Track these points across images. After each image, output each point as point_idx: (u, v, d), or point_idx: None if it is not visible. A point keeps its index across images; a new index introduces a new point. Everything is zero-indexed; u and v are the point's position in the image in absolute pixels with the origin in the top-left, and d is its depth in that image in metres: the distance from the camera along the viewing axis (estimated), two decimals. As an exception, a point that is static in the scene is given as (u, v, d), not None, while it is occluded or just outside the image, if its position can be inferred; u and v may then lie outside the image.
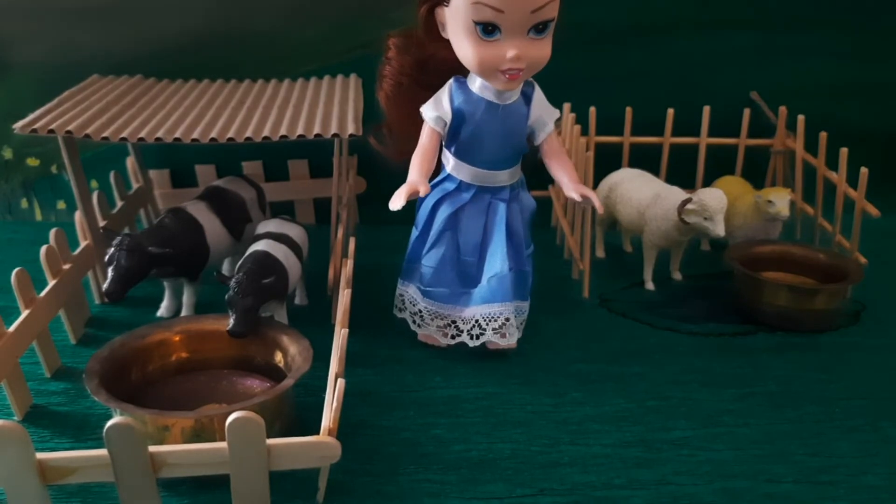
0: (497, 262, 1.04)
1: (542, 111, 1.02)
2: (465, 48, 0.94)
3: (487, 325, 1.04)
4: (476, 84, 0.99)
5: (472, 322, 1.04)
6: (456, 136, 1.02)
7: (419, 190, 0.97)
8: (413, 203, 1.06)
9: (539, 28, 0.92)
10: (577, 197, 1.01)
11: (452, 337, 1.06)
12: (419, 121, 1.02)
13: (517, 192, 1.06)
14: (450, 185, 1.05)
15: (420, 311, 1.07)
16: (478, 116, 0.99)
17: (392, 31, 1.06)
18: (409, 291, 1.08)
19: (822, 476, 0.85)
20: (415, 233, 1.08)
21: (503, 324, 1.03)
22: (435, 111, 1.00)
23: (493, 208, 1.04)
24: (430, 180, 1.03)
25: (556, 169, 1.04)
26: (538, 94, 1.02)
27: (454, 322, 1.05)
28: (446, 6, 0.94)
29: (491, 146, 1.01)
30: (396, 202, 0.96)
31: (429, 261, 1.06)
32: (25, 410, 0.94)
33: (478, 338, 1.04)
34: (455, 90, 1.00)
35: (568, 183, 1.03)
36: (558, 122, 1.13)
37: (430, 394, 0.99)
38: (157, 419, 0.81)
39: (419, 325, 1.08)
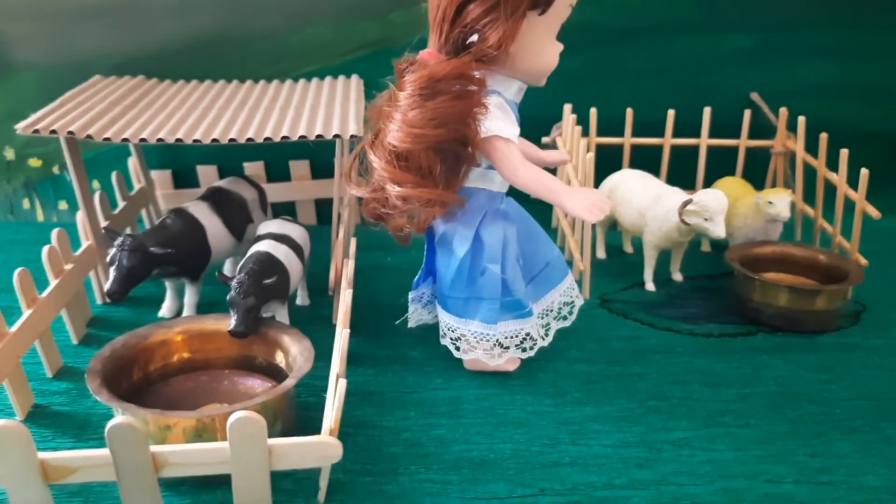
0: (549, 244, 1.04)
1: None
2: (545, 52, 0.93)
3: (572, 292, 1.05)
4: (512, 91, 0.95)
5: (558, 305, 1.04)
6: None
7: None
8: None
9: None
10: (566, 157, 1.08)
11: (543, 337, 1.03)
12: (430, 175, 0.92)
13: None
14: (495, 205, 0.98)
15: (529, 334, 1.01)
16: (519, 121, 0.96)
17: (464, 61, 0.89)
18: (505, 328, 0.99)
19: (823, 476, 0.85)
20: (493, 271, 0.97)
21: (575, 287, 1.06)
22: (513, 127, 0.93)
23: (513, 203, 1.02)
24: (470, 211, 0.97)
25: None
26: None
27: (539, 322, 1.03)
28: (541, 14, 0.89)
29: None
30: (599, 213, 0.90)
31: (517, 284, 0.99)
32: (27, 410, 0.95)
33: (569, 316, 1.05)
34: (508, 102, 0.94)
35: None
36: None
37: (431, 394, 0.99)
38: (159, 419, 0.81)
39: (528, 349, 1.02)
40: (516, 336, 1.00)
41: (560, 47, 0.95)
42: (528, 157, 0.98)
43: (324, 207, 1.52)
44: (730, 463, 0.87)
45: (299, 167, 1.51)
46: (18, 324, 0.94)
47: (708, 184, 1.42)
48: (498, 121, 0.92)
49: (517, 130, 0.94)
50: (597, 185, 1.33)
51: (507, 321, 0.99)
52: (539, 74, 0.95)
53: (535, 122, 1.11)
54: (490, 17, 0.88)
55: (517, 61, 0.92)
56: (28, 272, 0.98)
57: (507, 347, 1.00)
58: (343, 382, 0.77)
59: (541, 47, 0.93)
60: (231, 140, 1.06)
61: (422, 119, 0.89)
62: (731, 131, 1.44)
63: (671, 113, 1.41)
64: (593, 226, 1.33)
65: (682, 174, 1.42)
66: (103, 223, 1.20)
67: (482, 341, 0.99)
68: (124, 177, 1.36)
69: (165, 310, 1.16)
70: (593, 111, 1.39)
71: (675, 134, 1.43)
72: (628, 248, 1.43)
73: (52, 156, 1.50)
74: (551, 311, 1.05)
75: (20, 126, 1.07)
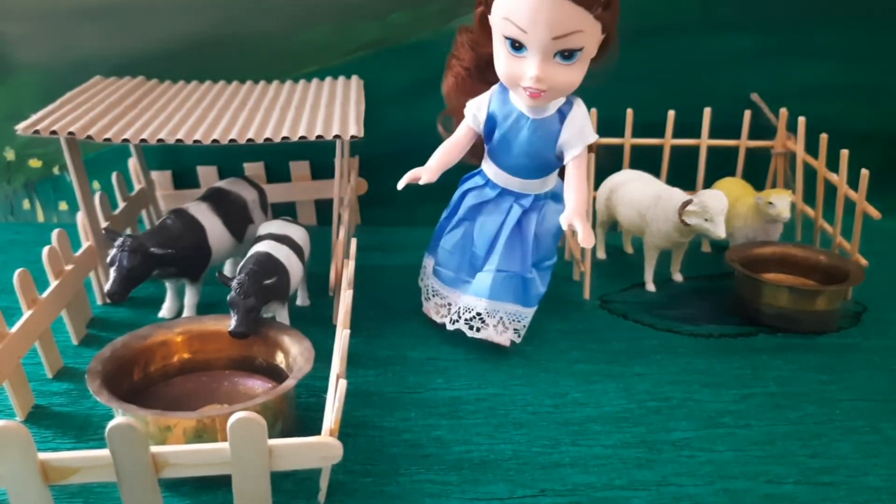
0: (493, 260, 1.06)
1: (574, 133, 1.00)
2: (497, 57, 0.98)
3: (462, 315, 1.07)
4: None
5: (457, 309, 1.08)
6: (490, 136, 1.04)
7: (420, 176, 1.03)
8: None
9: (565, 55, 0.93)
10: (564, 225, 0.99)
11: (443, 317, 1.11)
12: None
13: (544, 202, 1.06)
14: (480, 180, 1.09)
15: (429, 286, 1.14)
16: (508, 124, 1.01)
17: (464, 25, 1.09)
18: (429, 265, 1.14)
19: (823, 477, 0.85)
20: (445, 213, 1.12)
21: (474, 317, 1.06)
22: (474, 109, 1.04)
23: (513, 211, 1.05)
24: (471, 170, 1.11)
25: (566, 192, 1.02)
26: (574, 115, 1.00)
27: (449, 304, 1.10)
28: (489, 16, 0.96)
29: (516, 154, 1.03)
30: (400, 183, 1.03)
31: (445, 243, 1.11)
32: (27, 411, 0.95)
33: (454, 322, 1.08)
34: (496, 95, 1.03)
35: (567, 210, 1.00)
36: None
37: (431, 395, 0.99)
38: (159, 419, 0.81)
39: (427, 298, 1.14)
40: (438, 293, 1.13)
41: (511, 63, 0.95)
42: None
43: (324, 208, 1.52)
44: (730, 463, 0.87)
45: (299, 168, 1.50)
46: (19, 324, 0.94)
47: (708, 184, 1.42)
48: (476, 99, 1.05)
49: (472, 112, 1.05)
50: (597, 185, 1.33)
51: (432, 262, 1.13)
52: (500, 77, 0.99)
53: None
54: None
55: None
56: (28, 273, 0.98)
57: (431, 298, 1.14)
58: (343, 383, 0.77)
59: (495, 48, 0.98)
60: (231, 141, 1.06)
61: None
62: (732, 132, 1.44)
63: (671, 113, 1.41)
64: (594, 226, 1.32)
65: (682, 175, 1.42)
66: (103, 224, 1.20)
67: (426, 275, 1.15)
68: (124, 177, 1.36)
69: (166, 310, 1.16)
70: (593, 112, 1.39)
71: (676, 134, 1.43)
72: (628, 249, 1.43)
73: (52, 156, 1.50)
74: (450, 307, 1.10)
75: (20, 127, 1.07)
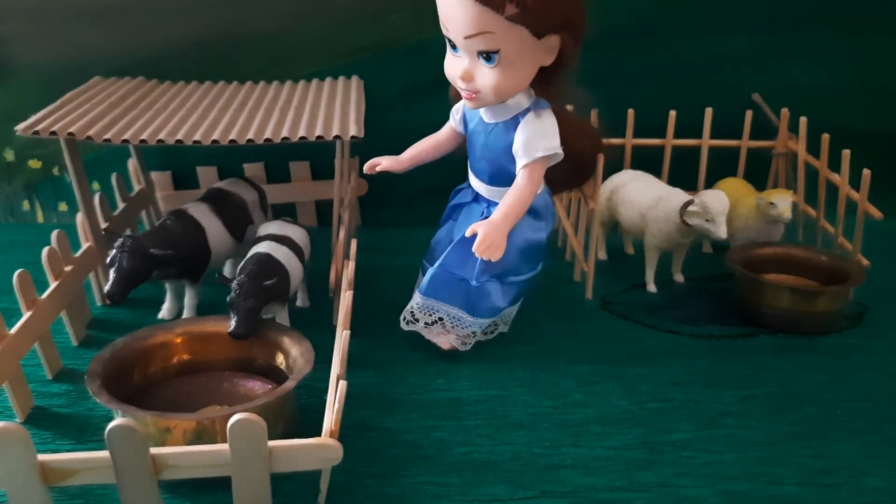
0: (441, 258, 1.04)
1: (521, 143, 0.97)
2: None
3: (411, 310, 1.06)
4: None
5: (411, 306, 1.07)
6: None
7: (379, 163, 1.08)
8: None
9: (485, 56, 0.92)
10: (468, 232, 0.97)
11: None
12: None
13: None
14: (465, 183, 1.10)
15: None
16: (472, 125, 1.04)
17: None
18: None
19: (824, 478, 0.85)
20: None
21: (410, 310, 1.06)
22: (454, 110, 1.06)
23: (482, 217, 1.03)
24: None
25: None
26: (525, 124, 0.97)
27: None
28: None
29: (479, 157, 1.04)
30: (366, 168, 1.09)
31: (434, 237, 1.12)
32: (27, 412, 0.94)
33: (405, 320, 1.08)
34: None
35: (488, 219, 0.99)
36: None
37: (432, 396, 0.99)
38: (159, 421, 0.81)
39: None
40: (419, 285, 1.09)
41: (449, 61, 0.97)
42: None
43: (324, 209, 1.52)
44: (731, 464, 0.87)
45: (299, 168, 1.50)
46: (18, 326, 0.94)
47: (709, 185, 1.42)
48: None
49: (454, 110, 1.07)
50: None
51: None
52: None
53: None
54: None
55: None
56: (28, 274, 0.98)
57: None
58: (343, 384, 0.77)
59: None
60: (231, 141, 1.06)
61: None
62: (733, 132, 1.44)
63: (672, 114, 1.41)
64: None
65: (683, 175, 1.42)
66: (103, 225, 1.20)
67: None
68: (124, 178, 1.36)
69: (165, 311, 1.16)
70: (594, 112, 1.39)
71: (677, 135, 1.42)
72: (629, 250, 1.43)
73: (52, 157, 1.50)
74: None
75: (20, 127, 1.06)
